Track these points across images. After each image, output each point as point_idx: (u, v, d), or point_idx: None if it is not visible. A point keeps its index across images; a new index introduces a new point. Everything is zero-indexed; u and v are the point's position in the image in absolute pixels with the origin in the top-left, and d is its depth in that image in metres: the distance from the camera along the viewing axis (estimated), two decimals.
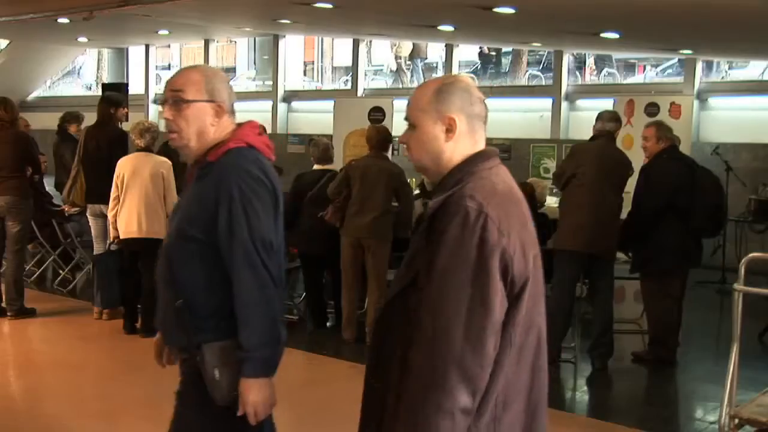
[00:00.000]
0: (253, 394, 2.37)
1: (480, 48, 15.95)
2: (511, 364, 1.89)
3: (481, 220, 1.86)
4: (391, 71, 17.54)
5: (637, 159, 6.42)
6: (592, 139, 6.23)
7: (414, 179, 10.55)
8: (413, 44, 16.57)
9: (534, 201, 7.60)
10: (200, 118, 2.52)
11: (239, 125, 2.60)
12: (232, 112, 2.60)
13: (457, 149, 2.03)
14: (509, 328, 1.88)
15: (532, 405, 1.97)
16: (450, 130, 2.02)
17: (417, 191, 9.03)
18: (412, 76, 16.62)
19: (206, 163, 2.50)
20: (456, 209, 1.88)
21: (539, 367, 1.99)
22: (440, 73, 16.10)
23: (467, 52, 15.85)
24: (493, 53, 16.10)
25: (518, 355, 1.91)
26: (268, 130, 13.06)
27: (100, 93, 15.67)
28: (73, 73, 23.18)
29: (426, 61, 17.20)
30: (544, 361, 2.02)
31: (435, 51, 17.42)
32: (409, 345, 1.86)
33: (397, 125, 12.21)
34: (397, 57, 17.09)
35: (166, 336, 2.64)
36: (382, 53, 17.65)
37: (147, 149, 6.56)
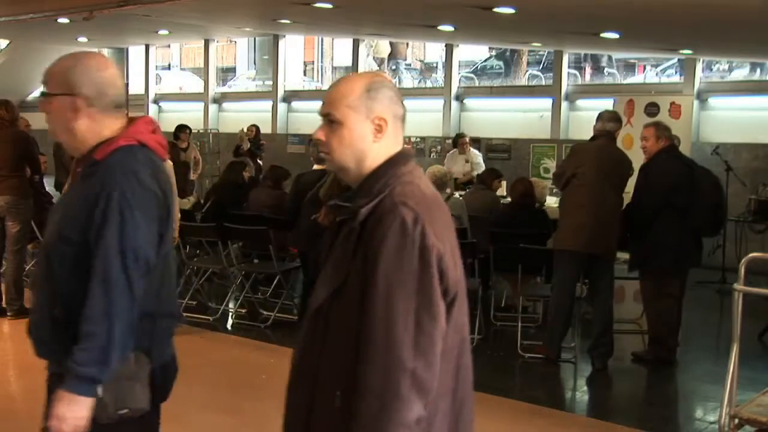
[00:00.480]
0: (63, 407, 2.16)
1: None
2: (440, 367, 1.87)
3: (419, 227, 1.82)
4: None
5: (637, 159, 6.42)
6: (592, 139, 6.23)
7: None
8: (391, 45, 16.60)
9: (533, 198, 7.60)
10: (61, 113, 2.31)
11: (132, 121, 2.38)
12: (117, 107, 2.34)
13: (381, 150, 1.96)
14: (444, 335, 1.86)
15: (458, 404, 1.97)
16: (379, 130, 1.95)
17: None
18: (393, 77, 16.65)
19: (92, 161, 2.28)
20: (392, 217, 1.82)
21: (464, 366, 1.99)
22: (440, 73, 16.11)
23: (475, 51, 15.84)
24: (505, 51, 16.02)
25: (445, 356, 1.89)
26: (269, 130, 13.16)
27: None
28: None
29: (406, 62, 17.24)
30: (468, 358, 2.01)
31: (435, 51, 17.44)
32: (355, 360, 1.80)
33: None
34: (375, 59, 17.15)
35: (39, 347, 2.34)
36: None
37: None
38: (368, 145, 1.95)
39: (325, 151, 1.99)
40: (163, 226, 2.30)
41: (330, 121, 1.97)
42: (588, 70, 15.06)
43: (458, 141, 11.05)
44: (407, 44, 16.84)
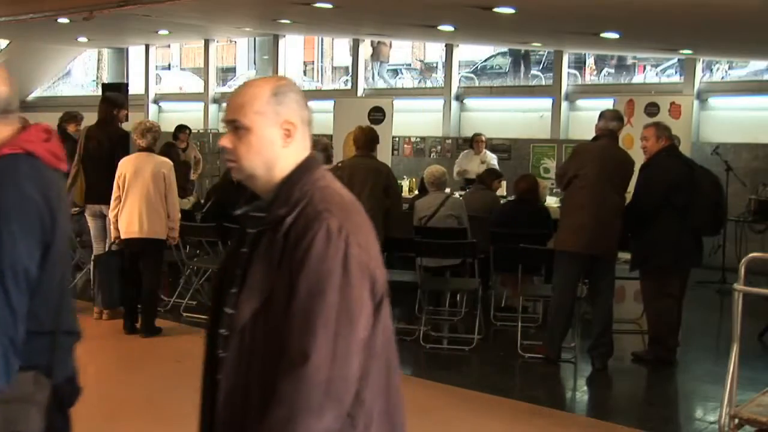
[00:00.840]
0: None
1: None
2: (372, 371, 1.85)
3: (343, 235, 1.79)
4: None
5: (637, 159, 6.42)
6: (594, 138, 6.20)
7: (414, 179, 10.58)
8: (372, 47, 16.60)
9: (536, 195, 7.60)
10: None
11: (24, 128, 2.23)
12: (4, 112, 2.19)
13: (290, 156, 1.92)
14: (373, 340, 1.84)
15: (392, 406, 1.94)
16: (288, 134, 1.91)
17: (417, 192, 9.05)
18: (373, 79, 16.63)
19: None
20: (317, 225, 1.79)
21: (394, 366, 1.96)
22: (440, 73, 16.11)
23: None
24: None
25: (378, 356, 1.87)
26: None
27: (99, 93, 15.68)
28: (68, 73, 23.20)
29: (388, 64, 17.24)
30: (396, 358, 1.98)
31: (435, 51, 17.44)
32: (274, 373, 1.76)
33: (397, 125, 12.24)
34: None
35: None
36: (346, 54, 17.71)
37: (149, 149, 6.57)
38: (278, 151, 1.91)
39: (231, 159, 1.92)
40: (48, 237, 2.12)
41: (236, 127, 1.90)
42: (593, 69, 15.04)
43: (474, 140, 10.93)
44: (389, 45, 16.82)
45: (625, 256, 6.70)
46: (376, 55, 16.74)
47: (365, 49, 15.97)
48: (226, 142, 1.92)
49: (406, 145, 14.24)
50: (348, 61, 16.46)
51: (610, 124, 6.13)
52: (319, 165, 1.96)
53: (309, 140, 1.98)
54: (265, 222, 1.87)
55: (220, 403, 1.87)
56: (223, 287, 1.95)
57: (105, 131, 7.20)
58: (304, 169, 1.92)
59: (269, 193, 1.91)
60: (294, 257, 1.78)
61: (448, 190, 8.21)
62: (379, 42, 16.03)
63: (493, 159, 10.97)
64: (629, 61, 14.78)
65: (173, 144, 9.16)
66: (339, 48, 18.86)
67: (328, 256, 1.77)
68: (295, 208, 1.84)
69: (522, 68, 15.68)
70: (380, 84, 16.92)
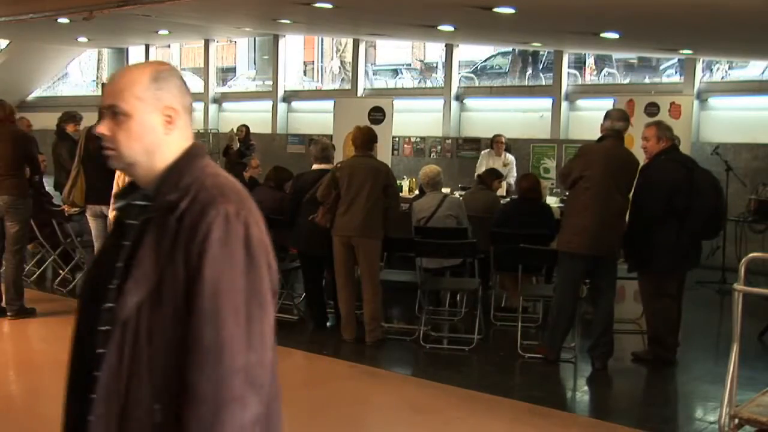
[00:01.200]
0: None
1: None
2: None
3: (242, 218, 1.74)
4: (335, 74, 17.75)
5: (638, 158, 6.40)
6: (600, 139, 6.15)
7: (414, 179, 10.57)
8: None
9: (538, 193, 7.59)
10: None
11: None
12: None
13: (173, 143, 1.84)
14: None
15: (274, 387, 1.88)
16: (170, 121, 1.84)
17: (417, 192, 9.05)
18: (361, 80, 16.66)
19: None
20: (214, 211, 1.72)
21: (276, 362, 1.91)
22: (440, 73, 16.11)
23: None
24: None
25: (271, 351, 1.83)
26: (268, 130, 13.09)
27: (99, 93, 15.67)
28: (68, 73, 23.22)
29: (374, 65, 17.27)
30: (277, 355, 1.91)
31: (435, 51, 17.44)
32: (180, 369, 1.69)
33: (397, 125, 12.23)
34: (342, 61, 17.16)
35: None
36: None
37: None
38: (159, 138, 1.83)
39: (110, 146, 1.85)
40: None
41: (115, 113, 1.82)
42: (592, 69, 15.01)
43: (494, 141, 10.83)
44: (374, 46, 16.82)
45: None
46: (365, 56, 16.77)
47: (355, 51, 15.97)
48: (103, 129, 1.84)
49: (406, 145, 14.25)
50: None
51: (617, 124, 6.09)
52: (204, 153, 1.90)
53: (190, 128, 1.90)
54: (152, 209, 1.78)
55: (98, 398, 1.77)
56: (99, 283, 1.83)
57: None
58: (191, 156, 1.85)
59: (152, 181, 1.83)
60: (192, 244, 1.71)
61: (446, 190, 8.21)
62: (365, 43, 16.01)
63: (513, 162, 10.95)
64: (631, 60, 14.78)
65: None
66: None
67: (230, 240, 1.71)
68: (187, 193, 1.77)
69: (525, 68, 15.67)
70: (407, 83, 16.96)
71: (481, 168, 10.71)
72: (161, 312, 1.72)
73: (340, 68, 17.88)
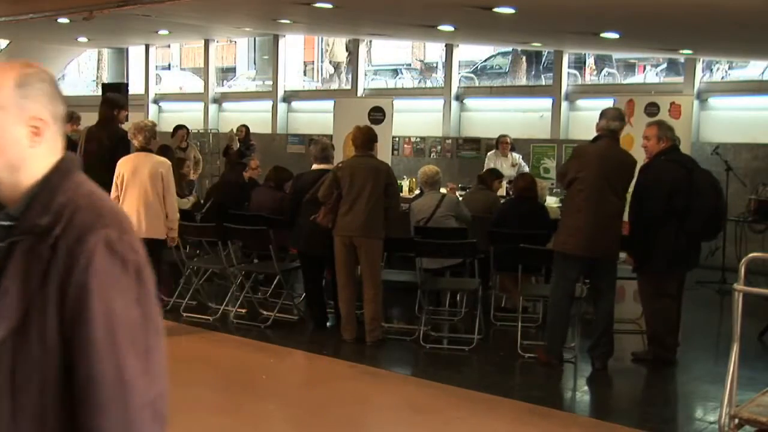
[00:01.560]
0: None
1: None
2: None
3: (126, 244, 1.59)
4: (329, 75, 17.77)
5: (638, 158, 6.39)
6: (595, 138, 6.12)
7: (414, 179, 10.57)
8: (348, 49, 16.62)
9: (534, 193, 7.60)
10: None
11: None
12: None
13: (40, 157, 1.64)
14: None
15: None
16: (36, 133, 1.63)
17: (417, 191, 9.05)
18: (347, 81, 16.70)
19: None
20: (94, 237, 1.55)
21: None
22: (440, 73, 16.11)
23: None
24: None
25: None
26: (268, 130, 13.13)
27: (99, 93, 15.68)
28: (67, 73, 23.22)
29: (368, 66, 17.28)
30: None
31: (435, 51, 17.44)
32: (66, 410, 1.55)
33: (397, 125, 12.23)
34: (331, 62, 17.15)
35: None
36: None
37: (146, 149, 6.58)
38: (24, 152, 1.62)
39: None
40: None
41: None
42: (592, 69, 15.01)
43: (499, 141, 10.79)
44: (368, 46, 16.81)
45: (625, 256, 6.70)
46: (354, 57, 16.79)
47: (340, 52, 15.97)
48: None
49: (406, 145, 14.24)
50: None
51: (612, 124, 6.04)
52: (77, 168, 1.70)
53: (61, 139, 1.70)
54: (19, 232, 1.59)
55: None
56: None
57: (105, 132, 7.21)
58: (62, 172, 1.65)
59: (18, 200, 1.63)
60: (70, 276, 1.54)
61: (443, 190, 8.21)
62: (365, 43, 16.01)
63: (521, 160, 10.92)
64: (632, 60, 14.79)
65: (169, 147, 9.18)
66: (339, 48, 18.86)
67: (115, 269, 1.57)
68: (61, 217, 1.58)
69: (525, 68, 15.67)
70: (407, 83, 16.96)
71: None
72: (29, 350, 1.55)
73: (334, 69, 17.85)
